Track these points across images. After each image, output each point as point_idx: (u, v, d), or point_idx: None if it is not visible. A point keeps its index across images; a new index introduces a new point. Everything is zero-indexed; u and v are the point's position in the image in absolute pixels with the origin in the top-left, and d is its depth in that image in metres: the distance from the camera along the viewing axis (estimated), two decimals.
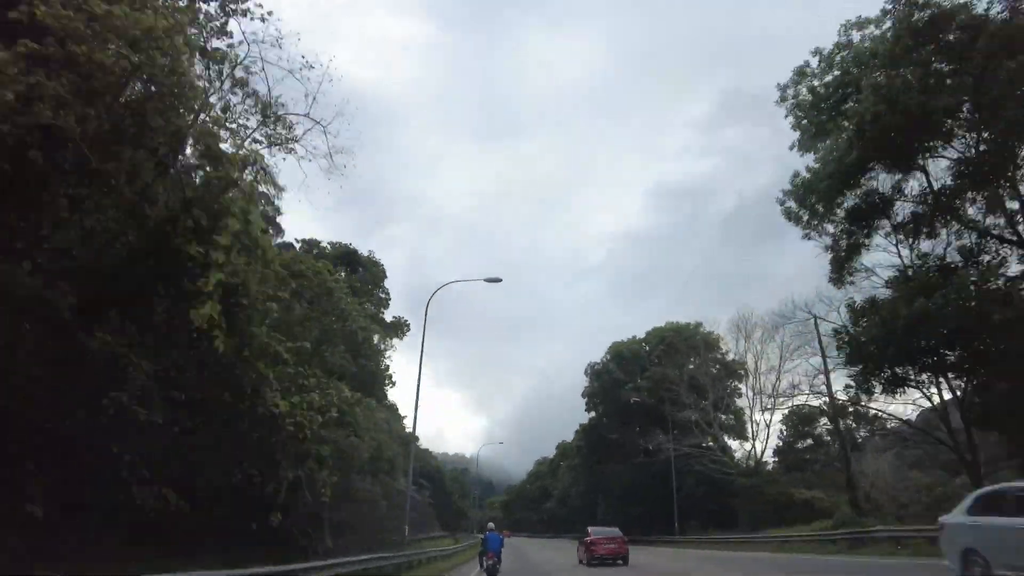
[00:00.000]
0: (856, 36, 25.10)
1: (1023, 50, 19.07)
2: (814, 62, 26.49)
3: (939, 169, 23.85)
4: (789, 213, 27.38)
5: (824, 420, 42.91)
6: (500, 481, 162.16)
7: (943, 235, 24.38)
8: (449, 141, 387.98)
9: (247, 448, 14.03)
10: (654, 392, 53.86)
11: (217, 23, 14.29)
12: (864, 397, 27.12)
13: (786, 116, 27.46)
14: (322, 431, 15.99)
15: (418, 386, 26.00)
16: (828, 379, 33.35)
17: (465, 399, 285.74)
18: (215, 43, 14.25)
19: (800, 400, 38.99)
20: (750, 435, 49.17)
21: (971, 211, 23.76)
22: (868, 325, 24.61)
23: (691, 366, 53.32)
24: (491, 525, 19.19)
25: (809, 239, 27.52)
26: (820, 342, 33.75)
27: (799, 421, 47.51)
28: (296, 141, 15.61)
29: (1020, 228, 22.35)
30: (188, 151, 13.26)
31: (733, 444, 52.69)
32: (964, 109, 21.62)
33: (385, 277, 46.67)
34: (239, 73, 14.19)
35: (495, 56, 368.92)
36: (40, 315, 10.21)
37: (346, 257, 43.86)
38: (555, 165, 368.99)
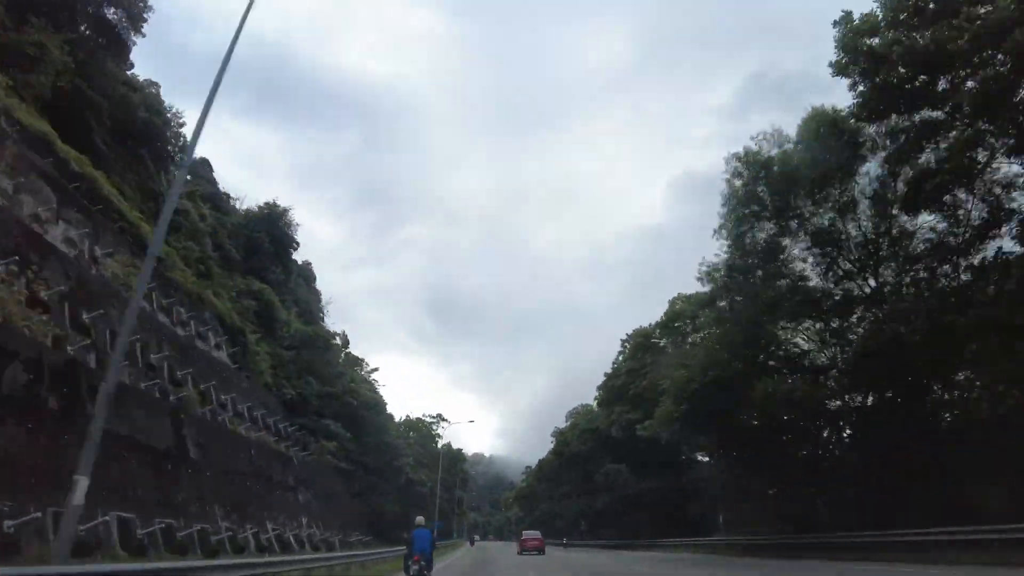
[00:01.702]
0: None
1: None
2: None
3: None
4: None
5: None
6: (517, 477, 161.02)
7: None
8: (467, 135, 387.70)
9: None
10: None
11: None
12: None
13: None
14: None
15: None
16: None
17: (484, 400, 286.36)
18: None
19: None
20: None
21: None
22: None
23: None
24: (420, 520, 16.70)
25: None
26: None
27: None
28: None
29: None
30: None
31: None
32: None
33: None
34: None
35: (513, 47, 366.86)
36: None
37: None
38: (576, 157, 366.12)
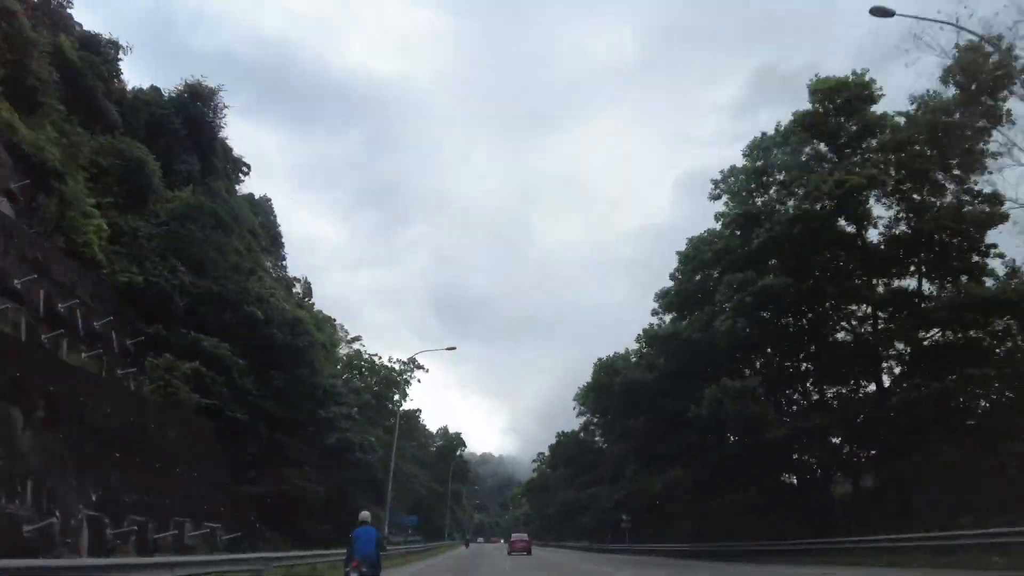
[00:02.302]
0: None
1: None
2: None
3: None
4: None
5: None
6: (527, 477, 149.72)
7: None
8: (472, 134, 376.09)
9: None
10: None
11: None
12: None
13: None
14: None
15: None
16: None
17: (492, 399, 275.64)
18: None
19: None
20: None
21: None
22: None
23: None
24: (364, 516, 12.45)
25: None
26: None
27: None
28: None
29: None
30: None
31: None
32: None
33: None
34: None
35: (517, 45, 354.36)
36: None
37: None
38: (582, 156, 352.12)
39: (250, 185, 51.37)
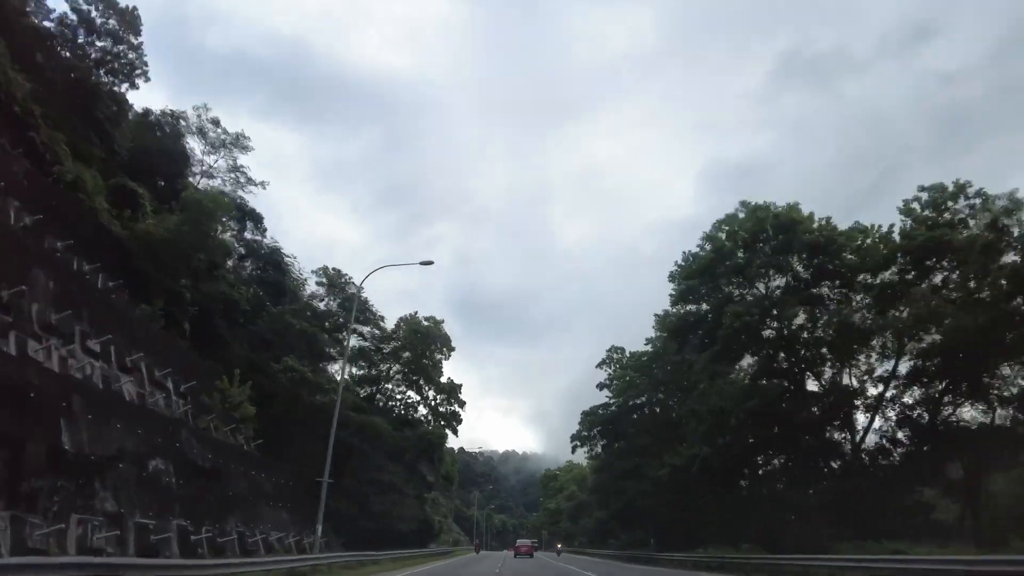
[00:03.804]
0: None
1: None
2: None
3: None
4: None
5: None
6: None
7: None
8: (489, 129, 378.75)
9: None
10: None
11: None
12: None
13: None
14: None
15: None
16: None
17: (514, 399, 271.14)
18: None
19: None
20: None
21: None
22: None
23: None
24: None
25: None
26: None
27: None
28: None
29: None
30: None
31: None
32: None
33: None
34: None
35: (534, 34, 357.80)
36: None
37: None
38: (603, 149, 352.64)
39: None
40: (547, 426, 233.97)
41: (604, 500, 57.50)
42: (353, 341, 51.87)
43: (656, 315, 45.62)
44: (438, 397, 57.64)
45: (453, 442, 70.04)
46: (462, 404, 58.10)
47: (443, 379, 57.14)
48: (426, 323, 55.23)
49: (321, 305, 49.38)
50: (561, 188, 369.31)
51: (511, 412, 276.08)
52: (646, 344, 49.28)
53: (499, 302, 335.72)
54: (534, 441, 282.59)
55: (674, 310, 40.40)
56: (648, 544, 45.47)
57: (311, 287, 49.96)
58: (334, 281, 49.60)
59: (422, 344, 55.29)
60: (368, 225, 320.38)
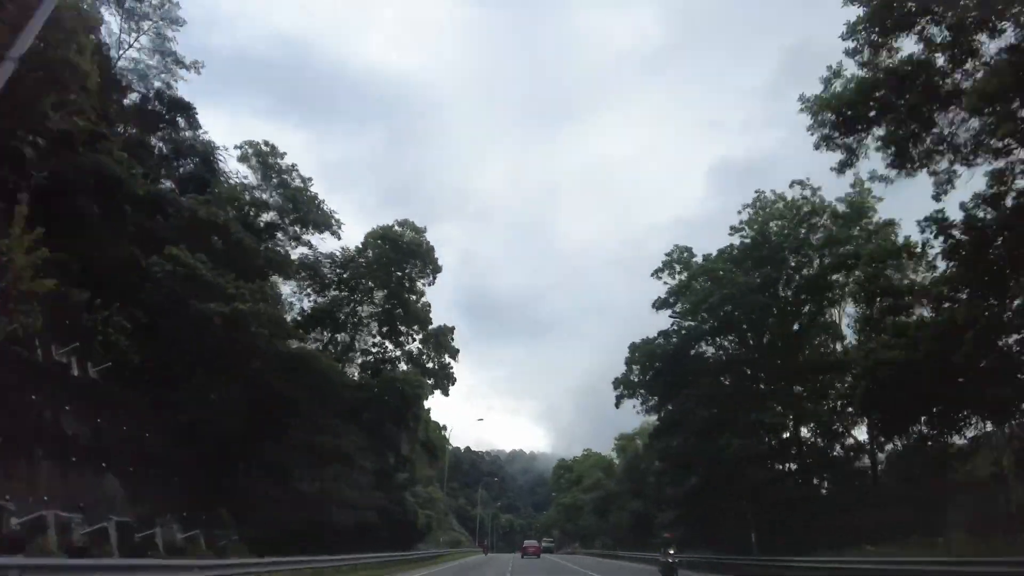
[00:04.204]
0: None
1: None
2: None
3: None
4: None
5: None
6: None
7: None
8: (494, 128, 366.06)
9: None
10: None
11: None
12: None
13: None
14: None
15: None
16: None
17: (521, 400, 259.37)
18: None
19: None
20: None
21: None
22: None
23: None
24: None
25: None
26: None
27: None
28: None
29: None
30: None
31: None
32: None
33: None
34: None
35: (538, 32, 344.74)
36: None
37: None
38: (609, 148, 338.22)
39: None
40: (555, 425, 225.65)
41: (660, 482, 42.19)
42: (297, 253, 36.30)
43: None
44: (422, 347, 41.84)
45: (458, 441, 59.94)
46: (454, 354, 42.11)
47: (428, 319, 41.33)
48: (404, 231, 39.17)
49: (247, 196, 33.63)
50: (567, 186, 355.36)
51: (518, 412, 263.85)
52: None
53: (505, 302, 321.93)
54: (542, 440, 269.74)
55: None
56: (746, 545, 27.59)
57: (240, 172, 34.14)
58: (266, 160, 33.82)
59: (400, 266, 39.58)
60: (374, 225, 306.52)
